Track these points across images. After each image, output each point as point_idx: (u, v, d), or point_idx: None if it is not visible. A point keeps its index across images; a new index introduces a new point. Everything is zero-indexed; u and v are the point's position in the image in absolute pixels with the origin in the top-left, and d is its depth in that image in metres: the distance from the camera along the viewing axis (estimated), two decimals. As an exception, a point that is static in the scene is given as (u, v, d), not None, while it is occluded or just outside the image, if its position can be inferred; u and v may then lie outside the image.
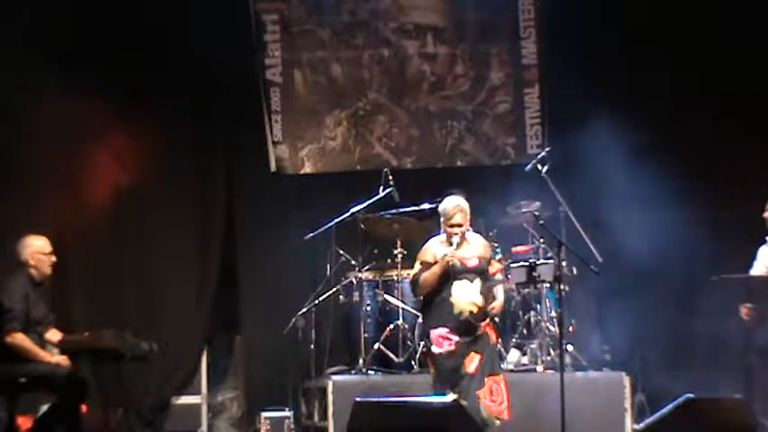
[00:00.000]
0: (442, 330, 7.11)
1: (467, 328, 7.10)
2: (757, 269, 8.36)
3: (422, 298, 7.35)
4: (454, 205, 7.21)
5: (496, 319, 7.56)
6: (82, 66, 9.11)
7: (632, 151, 9.10)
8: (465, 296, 7.11)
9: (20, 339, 7.34)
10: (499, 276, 7.48)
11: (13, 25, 8.82)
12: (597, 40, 9.39)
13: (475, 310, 7.10)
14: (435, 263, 7.15)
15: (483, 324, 7.15)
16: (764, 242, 8.40)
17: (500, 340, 8.02)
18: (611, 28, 9.37)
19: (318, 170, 9.80)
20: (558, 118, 9.67)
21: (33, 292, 7.52)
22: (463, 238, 7.20)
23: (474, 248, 7.25)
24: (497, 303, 7.29)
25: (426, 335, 7.25)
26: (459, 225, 7.18)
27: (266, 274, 9.41)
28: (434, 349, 7.13)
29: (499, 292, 7.34)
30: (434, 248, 7.24)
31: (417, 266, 7.28)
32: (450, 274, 7.12)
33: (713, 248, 8.93)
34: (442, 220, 7.24)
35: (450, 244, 7.15)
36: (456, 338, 7.07)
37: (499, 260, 8.22)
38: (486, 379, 7.05)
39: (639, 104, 9.24)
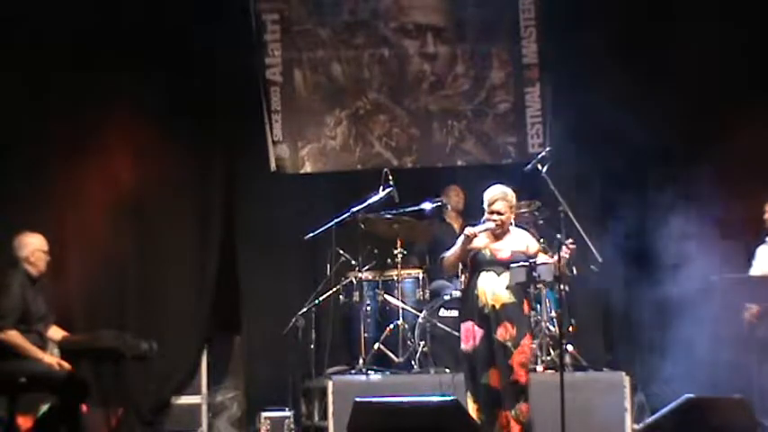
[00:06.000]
0: (469, 324, 6.98)
1: (491, 323, 6.92)
2: (757, 269, 8.35)
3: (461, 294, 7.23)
4: (498, 192, 7.06)
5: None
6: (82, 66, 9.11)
7: (633, 151, 9.11)
8: (489, 289, 6.96)
9: (12, 336, 7.31)
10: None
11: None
12: (598, 40, 9.37)
13: (497, 305, 6.93)
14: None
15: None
16: (764, 242, 8.40)
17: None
18: (612, 27, 9.35)
19: (318, 170, 9.80)
20: (558, 117, 9.65)
21: (31, 289, 7.51)
22: (503, 228, 7.03)
23: (512, 242, 7.07)
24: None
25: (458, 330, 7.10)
26: (500, 213, 7.00)
27: (266, 274, 9.40)
28: (462, 346, 7.01)
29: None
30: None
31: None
32: (479, 263, 6.98)
33: (718, 247, 8.91)
34: (484, 207, 7.10)
35: (492, 233, 6.99)
36: (481, 333, 6.92)
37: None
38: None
39: (640, 103, 9.23)
